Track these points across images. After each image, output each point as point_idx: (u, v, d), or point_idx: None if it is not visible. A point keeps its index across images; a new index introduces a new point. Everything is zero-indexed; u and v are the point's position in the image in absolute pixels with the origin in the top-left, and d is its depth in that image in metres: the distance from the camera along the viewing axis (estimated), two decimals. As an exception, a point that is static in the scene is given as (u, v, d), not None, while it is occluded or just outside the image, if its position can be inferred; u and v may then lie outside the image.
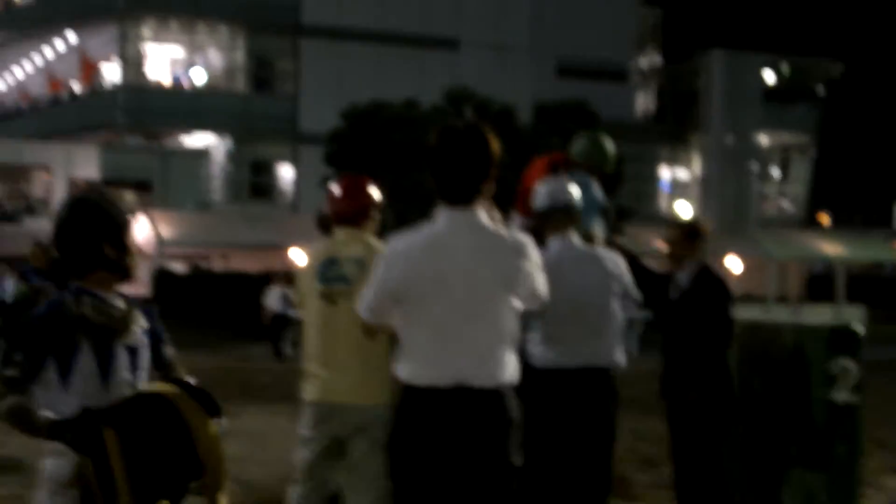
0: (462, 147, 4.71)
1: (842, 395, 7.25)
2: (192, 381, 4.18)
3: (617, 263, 6.84)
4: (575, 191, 6.91)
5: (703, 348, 7.43)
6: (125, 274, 4.32)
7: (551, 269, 6.57)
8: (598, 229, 7.48)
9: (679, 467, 7.56)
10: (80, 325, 4.16)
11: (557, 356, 6.70)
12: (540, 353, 6.74)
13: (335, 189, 6.60)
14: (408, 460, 4.67)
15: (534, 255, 4.77)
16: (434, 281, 4.64)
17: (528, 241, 4.77)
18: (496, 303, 4.68)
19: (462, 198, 4.70)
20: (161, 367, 4.44)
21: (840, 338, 7.24)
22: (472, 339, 4.64)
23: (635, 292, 6.89)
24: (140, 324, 4.34)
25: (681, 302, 7.62)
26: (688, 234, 7.74)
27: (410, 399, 4.69)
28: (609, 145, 8.29)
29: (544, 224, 6.94)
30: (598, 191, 7.72)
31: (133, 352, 4.27)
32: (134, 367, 4.27)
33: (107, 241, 4.25)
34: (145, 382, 4.29)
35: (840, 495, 7.33)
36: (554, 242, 6.83)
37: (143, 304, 4.48)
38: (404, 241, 4.78)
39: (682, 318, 7.60)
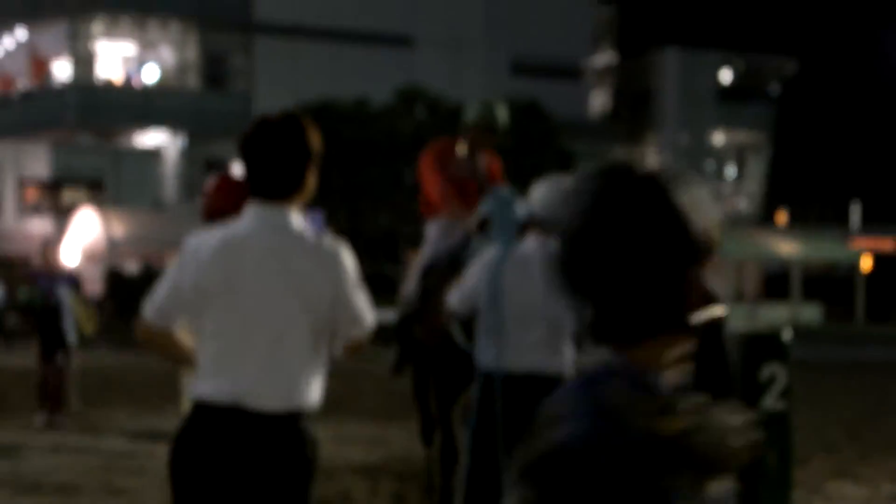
0: (276, 138, 4.28)
1: (770, 403, 7.04)
2: None
3: None
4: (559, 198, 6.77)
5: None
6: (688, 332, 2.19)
7: (520, 265, 6.67)
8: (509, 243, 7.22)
9: None
10: (676, 462, 2.03)
11: (510, 359, 6.59)
12: (491, 354, 6.67)
13: (210, 186, 6.26)
14: (182, 480, 4.19)
15: (348, 271, 4.27)
16: (222, 286, 4.18)
17: (342, 253, 4.28)
18: (290, 319, 4.19)
19: (273, 192, 4.26)
20: None
21: (767, 344, 7.02)
22: (257, 356, 4.15)
23: None
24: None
25: None
26: None
27: (194, 413, 4.22)
28: (501, 112, 8.65)
29: (530, 226, 6.86)
30: (520, 206, 7.58)
31: None
32: None
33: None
34: None
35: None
36: (532, 241, 6.78)
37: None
38: (201, 239, 4.30)
39: None
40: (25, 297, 14.48)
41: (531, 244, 6.78)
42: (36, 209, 51.76)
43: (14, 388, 18.48)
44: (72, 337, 14.01)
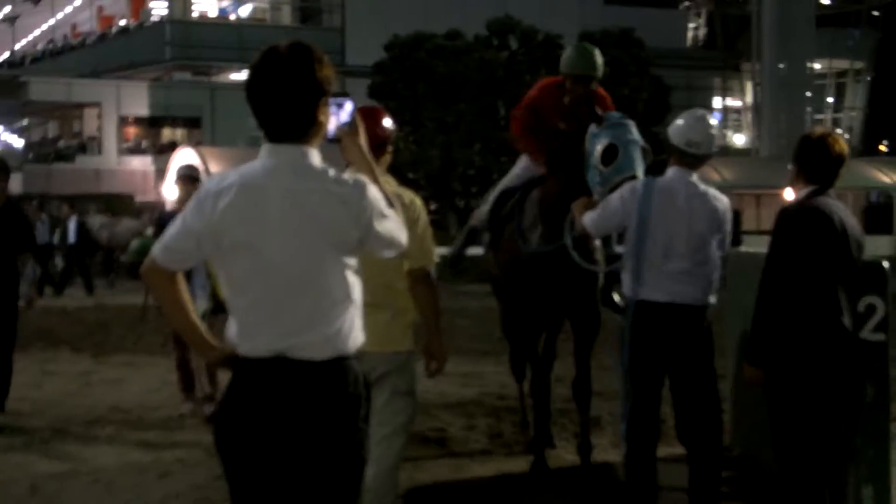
0: (282, 71, 3.96)
1: (868, 334, 6.92)
2: None
3: (727, 209, 6.91)
4: (703, 132, 6.86)
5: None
6: None
7: (665, 196, 6.75)
8: (642, 171, 7.36)
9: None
10: None
11: (655, 291, 6.72)
12: (637, 283, 6.78)
13: None
14: (229, 437, 4.03)
15: (374, 204, 4.02)
16: (243, 235, 3.95)
17: (365, 184, 4.02)
18: (321, 263, 3.97)
19: (285, 133, 3.99)
20: None
21: (866, 275, 6.88)
22: (292, 306, 3.96)
23: (729, 242, 6.95)
24: None
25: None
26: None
27: (235, 368, 4.04)
28: (596, 53, 8.32)
29: (669, 157, 6.95)
30: (635, 130, 7.61)
31: None
32: None
33: None
34: None
35: (871, 438, 7.01)
36: (673, 172, 6.87)
37: None
38: (220, 180, 4.03)
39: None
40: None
41: (674, 175, 6.86)
42: (136, 147, 52.46)
43: (117, 323, 18.80)
44: (203, 302, 10.03)
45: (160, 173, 46.25)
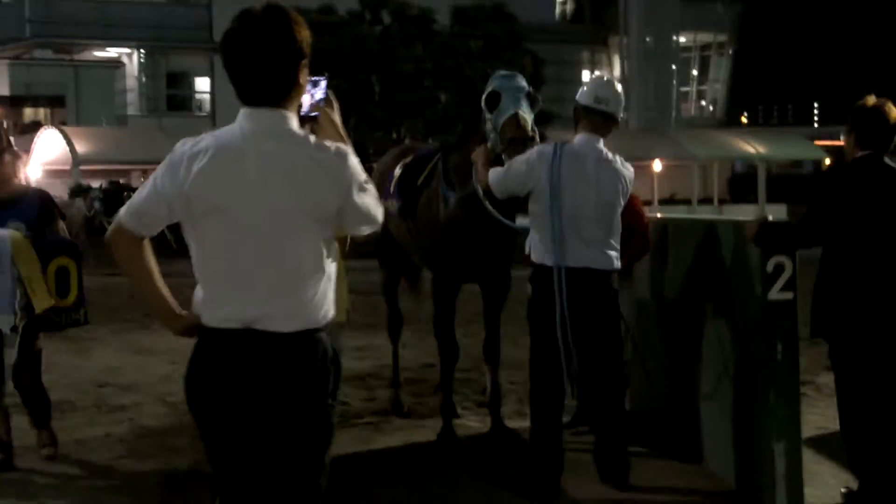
0: (260, 32, 3.81)
1: (777, 294, 7.02)
2: None
3: (632, 178, 7.00)
4: (611, 90, 7.02)
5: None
6: None
7: (574, 159, 6.79)
8: (527, 113, 7.40)
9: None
10: None
11: (566, 256, 6.73)
12: (543, 250, 6.83)
13: None
14: (201, 403, 3.92)
15: (355, 174, 3.92)
16: (217, 198, 3.80)
17: (347, 154, 3.92)
18: (297, 230, 3.84)
19: (264, 97, 3.86)
20: None
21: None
22: (264, 275, 3.82)
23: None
24: None
25: None
26: None
27: (201, 338, 3.92)
28: None
29: (579, 120, 7.01)
30: (522, 80, 7.66)
31: None
32: None
33: None
34: None
35: (781, 396, 7.09)
36: (581, 138, 6.93)
37: None
38: (194, 143, 3.88)
39: None
40: None
41: (582, 141, 6.90)
42: (-4, 127, 51.23)
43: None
44: (7, 317, 7.79)
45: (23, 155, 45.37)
